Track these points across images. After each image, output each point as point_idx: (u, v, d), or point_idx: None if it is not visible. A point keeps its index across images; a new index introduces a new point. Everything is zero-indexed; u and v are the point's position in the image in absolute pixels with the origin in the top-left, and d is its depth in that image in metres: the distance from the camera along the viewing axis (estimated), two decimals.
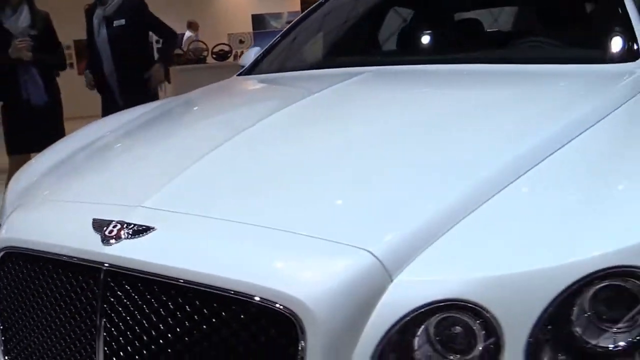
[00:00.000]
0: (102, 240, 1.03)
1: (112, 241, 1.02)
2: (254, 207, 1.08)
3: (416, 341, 0.88)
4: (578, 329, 0.86)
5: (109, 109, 3.47)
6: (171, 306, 0.96)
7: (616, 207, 0.99)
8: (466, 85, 1.75)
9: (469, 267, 0.89)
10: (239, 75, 2.47)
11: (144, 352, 0.98)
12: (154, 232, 1.02)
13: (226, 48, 9.42)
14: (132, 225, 1.03)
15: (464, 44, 2.21)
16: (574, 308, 0.86)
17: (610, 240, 0.90)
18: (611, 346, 0.85)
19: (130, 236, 1.02)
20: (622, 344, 0.85)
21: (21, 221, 1.26)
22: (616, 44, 1.76)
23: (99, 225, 1.06)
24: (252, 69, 2.46)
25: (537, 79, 1.68)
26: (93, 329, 1.04)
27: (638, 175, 1.09)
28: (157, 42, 4.77)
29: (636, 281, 0.86)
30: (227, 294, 0.91)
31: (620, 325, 0.85)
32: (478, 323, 0.86)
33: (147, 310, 0.98)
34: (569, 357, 0.86)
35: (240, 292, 0.90)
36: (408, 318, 0.87)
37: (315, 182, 1.16)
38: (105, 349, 1.02)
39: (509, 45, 2.18)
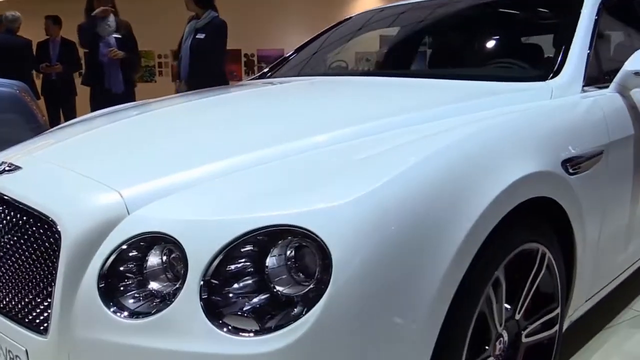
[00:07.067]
0: None
1: None
2: (83, 159, 1.55)
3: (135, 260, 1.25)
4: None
5: None
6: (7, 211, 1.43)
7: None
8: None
9: (176, 212, 1.26)
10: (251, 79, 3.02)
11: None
12: (19, 170, 1.53)
13: (343, 64, 10.06)
14: (11, 165, 1.55)
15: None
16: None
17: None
18: None
19: (6, 172, 1.54)
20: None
21: None
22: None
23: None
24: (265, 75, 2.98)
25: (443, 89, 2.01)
26: None
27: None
28: None
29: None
30: (32, 211, 1.36)
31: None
32: (172, 251, 1.21)
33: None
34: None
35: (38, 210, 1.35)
36: (131, 242, 1.23)
37: (141, 150, 1.58)
38: None
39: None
